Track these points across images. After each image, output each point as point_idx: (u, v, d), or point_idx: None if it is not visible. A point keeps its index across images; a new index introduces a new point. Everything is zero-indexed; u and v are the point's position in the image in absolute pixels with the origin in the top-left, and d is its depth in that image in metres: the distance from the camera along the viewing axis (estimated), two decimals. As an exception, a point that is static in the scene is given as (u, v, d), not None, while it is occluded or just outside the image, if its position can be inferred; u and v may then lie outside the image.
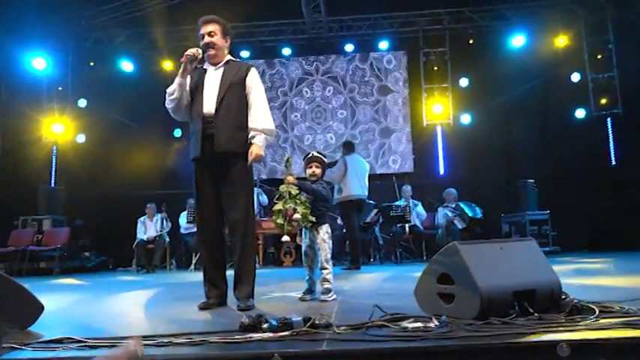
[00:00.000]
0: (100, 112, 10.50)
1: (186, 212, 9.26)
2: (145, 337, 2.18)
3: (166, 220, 9.15)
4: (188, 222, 8.95)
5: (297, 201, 3.40)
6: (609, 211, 8.96)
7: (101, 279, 7.09)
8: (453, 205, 8.88)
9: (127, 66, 10.83)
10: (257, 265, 7.83)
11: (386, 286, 4.15)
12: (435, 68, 10.80)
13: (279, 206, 3.43)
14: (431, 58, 10.81)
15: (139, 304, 3.88)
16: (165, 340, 2.15)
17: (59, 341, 2.17)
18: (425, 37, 10.85)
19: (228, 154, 3.27)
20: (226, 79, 3.35)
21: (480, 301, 2.22)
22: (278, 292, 4.12)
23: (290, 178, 3.41)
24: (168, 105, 3.40)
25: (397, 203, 8.95)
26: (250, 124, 3.31)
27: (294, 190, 3.42)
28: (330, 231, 3.55)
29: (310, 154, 3.70)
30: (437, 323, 2.16)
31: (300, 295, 3.57)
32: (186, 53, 3.31)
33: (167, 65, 10.82)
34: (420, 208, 9.13)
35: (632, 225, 8.48)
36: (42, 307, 2.61)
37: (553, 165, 9.62)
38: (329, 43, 11.16)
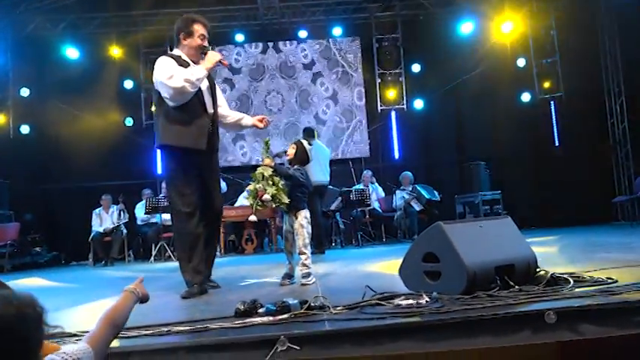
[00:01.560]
0: (46, 102, 10.07)
1: (143, 203, 9.06)
2: (141, 328, 2.17)
3: (123, 212, 8.92)
4: (146, 213, 8.76)
5: (270, 182, 3.52)
6: (554, 188, 9.50)
7: (64, 275, 6.86)
8: (410, 188, 9.12)
9: (72, 53, 10.37)
10: (218, 254, 7.86)
11: (358, 268, 4.25)
12: (388, 54, 10.96)
13: (251, 186, 3.61)
14: (384, 44, 10.96)
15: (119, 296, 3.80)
16: (164, 329, 2.16)
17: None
18: (377, 24, 10.99)
19: (216, 149, 3.68)
20: (211, 80, 3.69)
21: (466, 277, 2.34)
22: (253, 278, 4.14)
23: (267, 161, 3.56)
24: (187, 89, 3.31)
25: (356, 187, 9.10)
26: (234, 116, 3.86)
27: (268, 172, 3.54)
28: (308, 216, 3.60)
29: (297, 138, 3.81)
30: (428, 299, 2.27)
31: (279, 280, 3.61)
32: (223, 60, 3.55)
33: (115, 52, 10.46)
34: (379, 189, 9.35)
35: (574, 200, 9.07)
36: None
37: (502, 147, 10.03)
38: (282, 29, 11.10)
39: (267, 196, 3.49)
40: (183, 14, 3.64)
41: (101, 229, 8.73)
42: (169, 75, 3.31)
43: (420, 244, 2.63)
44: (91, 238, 8.61)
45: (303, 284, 3.43)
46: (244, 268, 5.51)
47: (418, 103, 10.84)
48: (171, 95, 3.33)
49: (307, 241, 3.56)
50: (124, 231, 8.86)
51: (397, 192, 9.09)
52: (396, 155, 10.92)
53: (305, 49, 11.10)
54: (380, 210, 9.31)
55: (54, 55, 10.25)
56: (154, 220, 9.00)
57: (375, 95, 10.97)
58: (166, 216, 8.62)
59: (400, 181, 9.30)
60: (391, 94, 10.87)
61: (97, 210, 8.99)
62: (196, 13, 3.76)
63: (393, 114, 10.99)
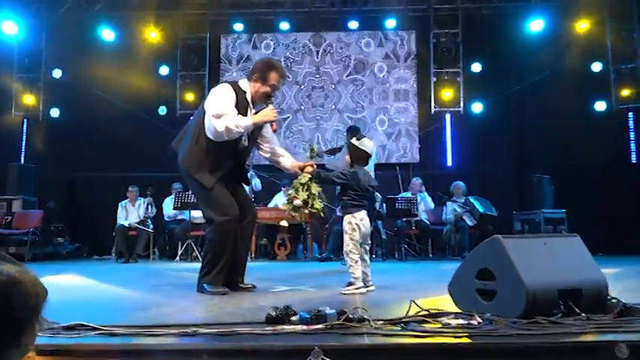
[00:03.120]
0: (77, 85, 10.41)
1: (172, 198, 9.22)
2: (167, 327, 2.20)
3: (151, 206, 9.12)
4: (175, 208, 8.92)
5: (305, 187, 3.80)
6: (628, 210, 9.12)
7: (90, 268, 7.07)
8: (462, 200, 8.98)
9: (107, 34, 10.69)
10: (249, 258, 7.95)
11: (401, 282, 4.22)
12: (446, 51, 10.85)
13: (289, 192, 3.96)
14: (442, 39, 10.86)
15: (148, 292, 3.98)
16: (190, 330, 2.18)
17: (72, 327, 2.19)
18: (436, 17, 10.89)
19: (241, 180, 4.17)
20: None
21: (525, 298, 2.27)
22: (285, 285, 4.16)
23: (308, 168, 3.82)
24: (223, 136, 3.60)
25: (402, 195, 9.03)
26: (275, 154, 4.16)
27: (305, 179, 3.80)
28: (355, 222, 3.69)
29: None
30: (480, 320, 2.21)
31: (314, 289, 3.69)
32: (274, 123, 3.84)
33: (152, 35, 10.72)
34: (428, 199, 9.24)
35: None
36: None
37: (570, 160, 9.73)
38: (331, 18, 11.14)
39: (297, 202, 3.76)
40: (267, 58, 3.96)
41: (126, 223, 8.94)
42: (218, 113, 3.59)
43: (474, 259, 2.58)
44: (115, 231, 8.83)
45: (341, 293, 3.45)
46: (276, 274, 5.55)
47: (477, 107, 10.68)
48: (208, 129, 3.64)
49: (348, 248, 3.65)
50: (151, 226, 9.05)
51: (448, 203, 8.96)
52: (449, 162, 10.78)
53: (355, 42, 11.10)
54: (427, 222, 9.21)
55: (89, 36, 10.57)
56: (182, 217, 9.17)
57: (429, 95, 10.87)
58: (195, 213, 8.76)
59: (452, 192, 9.17)
60: (447, 94, 10.75)
61: (124, 202, 9.23)
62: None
63: (447, 117, 10.86)
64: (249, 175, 8.81)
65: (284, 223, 3.71)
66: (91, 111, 10.35)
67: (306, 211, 3.86)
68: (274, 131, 3.93)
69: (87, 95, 10.31)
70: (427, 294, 3.23)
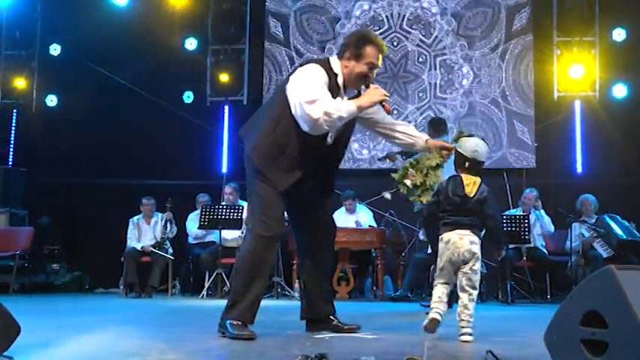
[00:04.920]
0: (80, 65, 10.74)
1: (197, 213, 9.45)
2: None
3: (171, 223, 9.40)
4: (201, 227, 9.16)
5: (426, 171, 4.10)
6: None
7: (89, 304, 7.40)
8: (593, 220, 8.78)
9: (119, -1, 11.08)
10: (297, 295, 8.13)
11: (495, 328, 4.22)
12: (575, 12, 10.65)
13: (407, 164, 4.24)
14: (570, -3, 10.69)
15: (151, 334, 4.18)
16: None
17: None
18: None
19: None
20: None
21: (646, 354, 2.26)
22: (335, 331, 4.25)
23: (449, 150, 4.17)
24: (321, 125, 3.76)
25: (510, 213, 8.91)
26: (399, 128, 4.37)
27: (435, 161, 4.11)
28: (440, 245, 3.98)
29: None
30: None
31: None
32: (385, 103, 3.99)
33: (176, -1, 11.07)
34: (546, 219, 9.06)
35: None
36: (19, 329, 2.84)
37: None
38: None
39: (410, 181, 4.07)
40: (361, 30, 4.13)
41: (139, 246, 9.27)
42: (311, 98, 3.74)
43: (578, 299, 2.57)
44: (124, 256, 9.16)
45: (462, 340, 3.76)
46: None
47: (619, 90, 10.42)
48: (301, 119, 3.80)
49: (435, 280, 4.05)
50: (170, 250, 9.33)
51: (574, 225, 8.77)
52: (579, 168, 10.55)
53: (445, 2, 11.08)
54: (545, 251, 9.04)
55: (95, 2, 10.99)
56: (210, 239, 9.41)
57: (551, 75, 10.69)
58: (228, 234, 9.00)
59: (579, 209, 8.99)
60: (577, 72, 10.52)
61: (136, 218, 9.58)
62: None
63: (577, 105, 10.65)
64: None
65: (387, 195, 3.99)
66: (97, 98, 10.77)
67: (411, 197, 4.14)
68: (388, 112, 4.13)
69: (92, 78, 10.70)
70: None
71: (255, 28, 11.35)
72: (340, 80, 3.99)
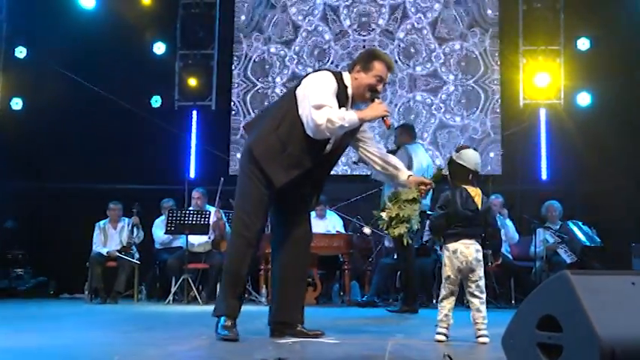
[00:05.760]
0: (47, 68, 10.62)
1: (163, 218, 9.42)
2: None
3: (138, 228, 9.34)
4: (167, 232, 9.11)
5: (403, 204, 4.21)
6: None
7: (53, 310, 7.33)
8: (557, 227, 8.89)
9: (87, 1, 10.98)
10: (264, 301, 8.13)
11: (458, 332, 4.26)
12: (541, 22, 10.79)
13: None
14: (536, 5, 10.82)
15: (115, 339, 4.11)
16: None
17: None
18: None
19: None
20: None
21: (599, 358, 2.30)
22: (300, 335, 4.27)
23: (428, 187, 4.26)
24: (323, 131, 3.93)
25: (475, 220, 8.98)
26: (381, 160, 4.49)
27: (412, 195, 4.20)
28: (446, 254, 4.12)
29: None
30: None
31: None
32: (387, 119, 4.13)
33: (144, 0, 11.02)
34: (510, 227, 9.16)
35: None
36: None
37: None
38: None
39: (386, 213, 4.21)
40: (371, 47, 4.28)
41: (104, 251, 9.20)
42: (319, 103, 3.94)
43: (534, 303, 2.62)
44: (89, 261, 9.08)
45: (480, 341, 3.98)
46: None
47: (583, 98, 10.56)
48: (306, 122, 3.99)
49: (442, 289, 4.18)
50: (136, 255, 9.27)
51: (539, 231, 8.88)
52: (544, 175, 10.69)
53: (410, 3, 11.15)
54: (510, 256, 9.13)
55: (63, 5, 10.87)
56: (177, 244, 9.38)
57: (517, 83, 10.84)
58: (195, 239, 8.97)
59: (544, 215, 9.10)
60: (541, 81, 10.66)
61: (102, 222, 9.49)
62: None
63: (542, 113, 10.79)
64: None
65: (367, 230, 4.13)
66: (63, 102, 10.61)
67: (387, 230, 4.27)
68: (388, 128, 4.30)
69: (59, 81, 10.54)
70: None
71: (224, 33, 11.35)
72: (349, 92, 4.20)
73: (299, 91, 4.11)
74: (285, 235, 4.34)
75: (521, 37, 10.86)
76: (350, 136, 4.28)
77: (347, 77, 4.24)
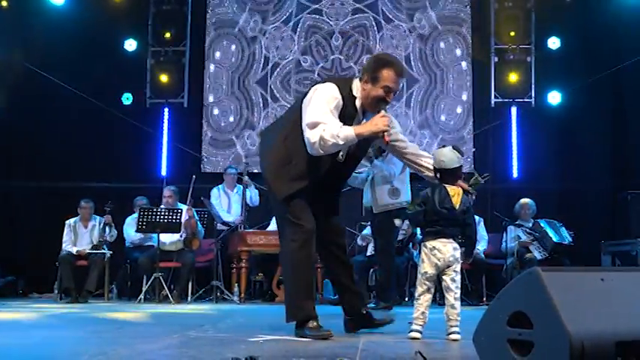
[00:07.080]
0: (14, 65, 10.52)
1: (135, 217, 9.33)
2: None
3: (110, 227, 9.26)
4: (138, 230, 9.02)
5: None
6: None
7: (21, 309, 7.24)
8: (530, 224, 8.97)
9: (55, -4, 10.88)
10: (236, 299, 8.11)
11: (429, 328, 4.28)
12: (512, 21, 10.88)
13: None
14: (507, 4, 10.90)
15: (85, 337, 4.04)
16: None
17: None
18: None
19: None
20: None
21: (569, 352, 2.31)
22: (271, 333, 4.26)
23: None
24: (317, 149, 3.91)
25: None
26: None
27: None
28: (424, 251, 4.13)
29: None
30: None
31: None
32: (386, 135, 3.97)
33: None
34: (481, 229, 9.20)
35: None
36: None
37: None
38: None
39: None
40: (380, 53, 4.22)
41: (74, 250, 9.11)
42: (314, 121, 3.90)
43: (505, 300, 2.62)
44: (59, 260, 8.97)
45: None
46: (266, 320, 5.67)
47: (554, 97, 10.66)
48: (305, 140, 3.96)
49: (418, 286, 4.18)
50: (107, 254, 9.18)
51: (510, 228, 8.95)
52: (515, 173, 10.77)
53: (379, 4, 11.16)
54: (481, 253, 9.18)
55: (32, 1, 10.76)
56: (149, 243, 9.31)
57: (488, 81, 10.91)
58: (166, 237, 8.91)
59: (516, 213, 9.18)
60: (512, 80, 10.76)
61: (73, 220, 9.37)
62: None
63: (513, 111, 10.88)
64: (244, 182, 9.01)
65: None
66: (32, 99, 10.59)
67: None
68: (386, 143, 4.13)
69: (29, 79, 10.47)
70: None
71: (196, 30, 11.28)
72: (358, 103, 4.12)
73: (304, 104, 4.07)
74: (322, 240, 4.32)
75: (493, 36, 10.92)
76: (366, 144, 4.32)
77: (356, 86, 4.13)
